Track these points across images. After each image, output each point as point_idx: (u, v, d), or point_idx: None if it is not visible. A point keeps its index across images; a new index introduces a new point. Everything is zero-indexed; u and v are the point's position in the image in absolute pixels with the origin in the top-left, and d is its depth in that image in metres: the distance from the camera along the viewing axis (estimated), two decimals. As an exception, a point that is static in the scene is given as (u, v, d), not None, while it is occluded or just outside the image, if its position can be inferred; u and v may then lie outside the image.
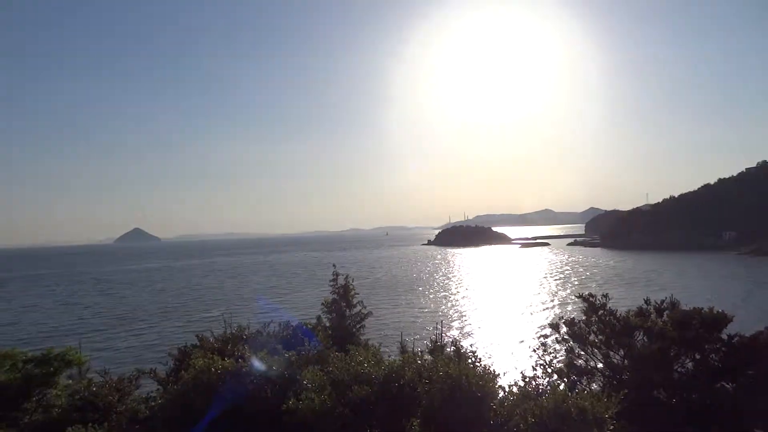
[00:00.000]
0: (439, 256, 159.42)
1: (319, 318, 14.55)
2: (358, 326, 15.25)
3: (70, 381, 12.05)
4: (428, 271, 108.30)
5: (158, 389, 11.17)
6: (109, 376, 12.27)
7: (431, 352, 11.52)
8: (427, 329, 42.93)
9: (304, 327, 11.68)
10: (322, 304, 15.31)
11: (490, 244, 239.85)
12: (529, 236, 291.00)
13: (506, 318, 49.94)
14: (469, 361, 8.73)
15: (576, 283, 78.34)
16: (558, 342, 12.13)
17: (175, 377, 10.49)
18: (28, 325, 52.14)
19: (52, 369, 11.02)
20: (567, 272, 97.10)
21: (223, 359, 9.05)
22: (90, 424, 9.91)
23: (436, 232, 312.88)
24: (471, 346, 8.76)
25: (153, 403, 9.57)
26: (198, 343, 11.64)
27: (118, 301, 70.79)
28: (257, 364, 8.79)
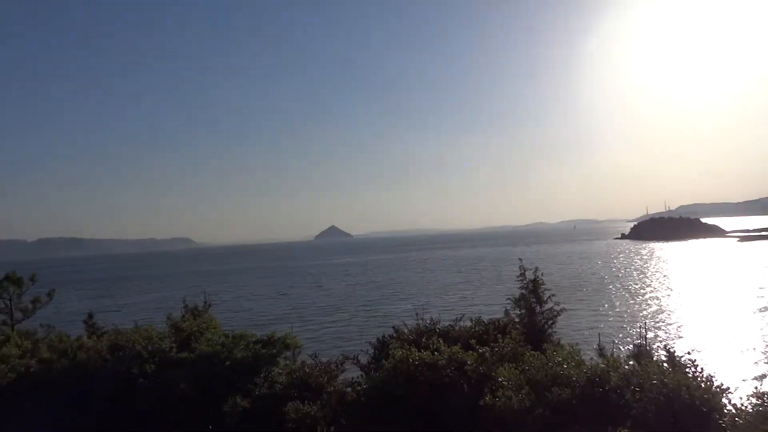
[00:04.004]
0: (636, 251, 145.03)
1: (507, 313, 14.26)
2: (549, 323, 14.57)
3: (288, 361, 13.74)
4: (624, 267, 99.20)
5: (361, 375, 12.12)
6: (318, 359, 13.69)
7: (636, 357, 10.54)
8: (626, 332, 39.42)
9: None
10: (509, 299, 14.95)
11: (699, 237, 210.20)
12: (751, 228, 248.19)
13: (725, 324, 43.37)
14: (687, 370, 7.79)
15: (820, 284, 64.62)
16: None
17: (376, 365, 11.28)
18: (255, 312, 60.78)
19: (274, 350, 12.68)
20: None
21: (419, 351, 9.46)
22: (305, 402, 11.19)
23: (631, 224, 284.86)
24: (689, 353, 7.77)
25: (359, 388, 10.41)
26: (395, 334, 12.33)
27: (322, 292, 78.41)
28: None
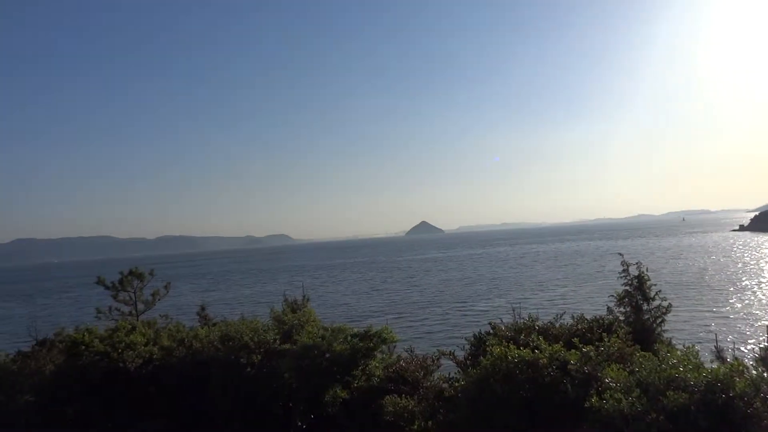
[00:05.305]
0: (758, 245, 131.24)
1: (609, 310, 13.47)
2: (658, 322, 13.59)
3: (384, 355, 13.95)
4: (744, 262, 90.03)
5: (458, 371, 12.02)
6: (414, 354, 13.78)
7: (764, 361, 9.55)
8: (750, 334, 35.90)
9: None
10: (612, 295, 14.11)
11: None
12: None
13: None
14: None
15: None
16: None
17: (473, 361, 11.13)
18: (351, 306, 62.52)
19: (371, 344, 12.93)
20: None
21: (518, 348, 9.20)
22: (402, 396, 11.30)
23: (751, 215, 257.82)
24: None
25: (456, 384, 10.34)
26: (492, 331, 12.10)
27: (415, 288, 78.86)
28: None
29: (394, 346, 14.48)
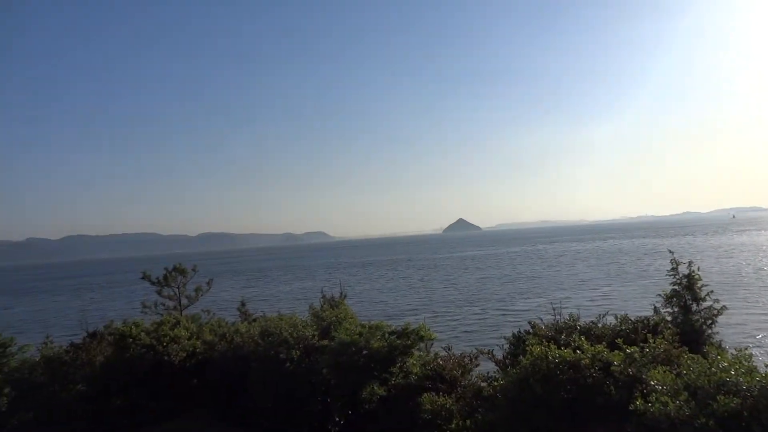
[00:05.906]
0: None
1: (656, 310, 13.03)
2: (708, 323, 13.05)
3: (421, 353, 13.93)
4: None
5: (496, 370, 11.88)
6: (452, 352, 13.71)
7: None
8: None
9: None
10: (659, 295, 13.64)
11: None
12: None
13: None
14: None
15: None
16: None
17: (512, 361, 10.98)
18: (388, 303, 62.61)
19: (409, 341, 12.91)
20: None
21: (559, 348, 9.01)
22: (440, 394, 11.26)
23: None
24: None
25: (495, 383, 10.22)
26: (531, 330, 11.91)
27: (452, 286, 78.28)
28: None
29: (432, 344, 14.42)
